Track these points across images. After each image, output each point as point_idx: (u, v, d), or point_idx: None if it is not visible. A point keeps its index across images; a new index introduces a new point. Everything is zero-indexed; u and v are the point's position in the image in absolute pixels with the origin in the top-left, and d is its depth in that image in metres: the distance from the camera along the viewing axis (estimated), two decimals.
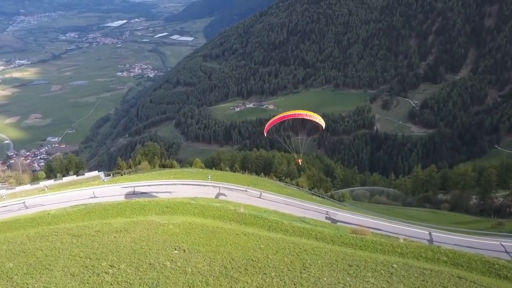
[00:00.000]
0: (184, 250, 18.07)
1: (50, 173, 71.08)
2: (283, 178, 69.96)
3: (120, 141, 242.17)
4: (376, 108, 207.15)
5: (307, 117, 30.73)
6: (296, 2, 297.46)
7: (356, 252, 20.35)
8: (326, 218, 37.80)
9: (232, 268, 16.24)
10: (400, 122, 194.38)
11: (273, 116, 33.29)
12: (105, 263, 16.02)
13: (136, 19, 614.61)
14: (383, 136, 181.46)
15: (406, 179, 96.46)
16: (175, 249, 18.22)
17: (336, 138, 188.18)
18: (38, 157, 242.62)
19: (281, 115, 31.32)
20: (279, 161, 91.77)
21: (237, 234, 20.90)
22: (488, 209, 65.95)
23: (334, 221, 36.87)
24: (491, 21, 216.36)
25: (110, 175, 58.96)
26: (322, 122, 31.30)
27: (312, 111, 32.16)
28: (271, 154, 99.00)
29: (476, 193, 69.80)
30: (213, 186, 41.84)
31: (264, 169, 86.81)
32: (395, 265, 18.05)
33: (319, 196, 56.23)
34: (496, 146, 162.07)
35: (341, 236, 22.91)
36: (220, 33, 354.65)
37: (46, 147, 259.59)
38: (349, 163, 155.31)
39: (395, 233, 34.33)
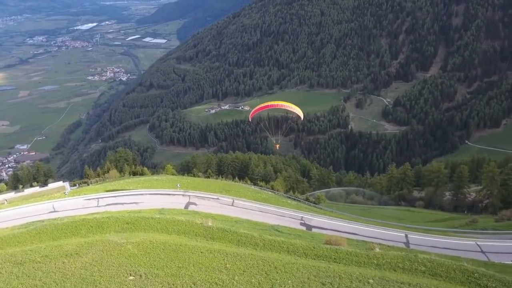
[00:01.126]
0: (141, 276, 16.26)
1: (17, 182, 67.20)
2: (258, 181, 68.43)
3: (92, 146, 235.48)
4: (350, 107, 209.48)
5: (288, 108, 35.33)
6: (269, 3, 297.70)
7: (330, 266, 19.03)
8: (301, 224, 36.58)
9: None
10: (374, 120, 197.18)
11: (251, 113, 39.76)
12: None
13: (106, 22, 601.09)
14: (358, 135, 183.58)
15: (381, 177, 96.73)
16: (131, 275, 16.38)
17: (312, 137, 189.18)
18: (6, 165, 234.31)
19: (265, 104, 36.22)
20: (255, 163, 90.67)
21: (202, 252, 19.20)
22: (462, 205, 66.78)
23: (309, 227, 35.67)
24: (458, 20, 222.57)
25: (75, 185, 55.99)
26: (301, 114, 36.11)
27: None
28: (247, 156, 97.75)
29: (449, 190, 70.47)
30: (183, 195, 39.82)
31: (241, 172, 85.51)
32: (371, 281, 16.82)
33: (294, 199, 55.06)
34: (466, 141, 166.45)
35: (314, 248, 21.54)
36: (194, 35, 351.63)
37: (15, 155, 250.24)
38: (325, 162, 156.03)
39: (371, 237, 33.47)
